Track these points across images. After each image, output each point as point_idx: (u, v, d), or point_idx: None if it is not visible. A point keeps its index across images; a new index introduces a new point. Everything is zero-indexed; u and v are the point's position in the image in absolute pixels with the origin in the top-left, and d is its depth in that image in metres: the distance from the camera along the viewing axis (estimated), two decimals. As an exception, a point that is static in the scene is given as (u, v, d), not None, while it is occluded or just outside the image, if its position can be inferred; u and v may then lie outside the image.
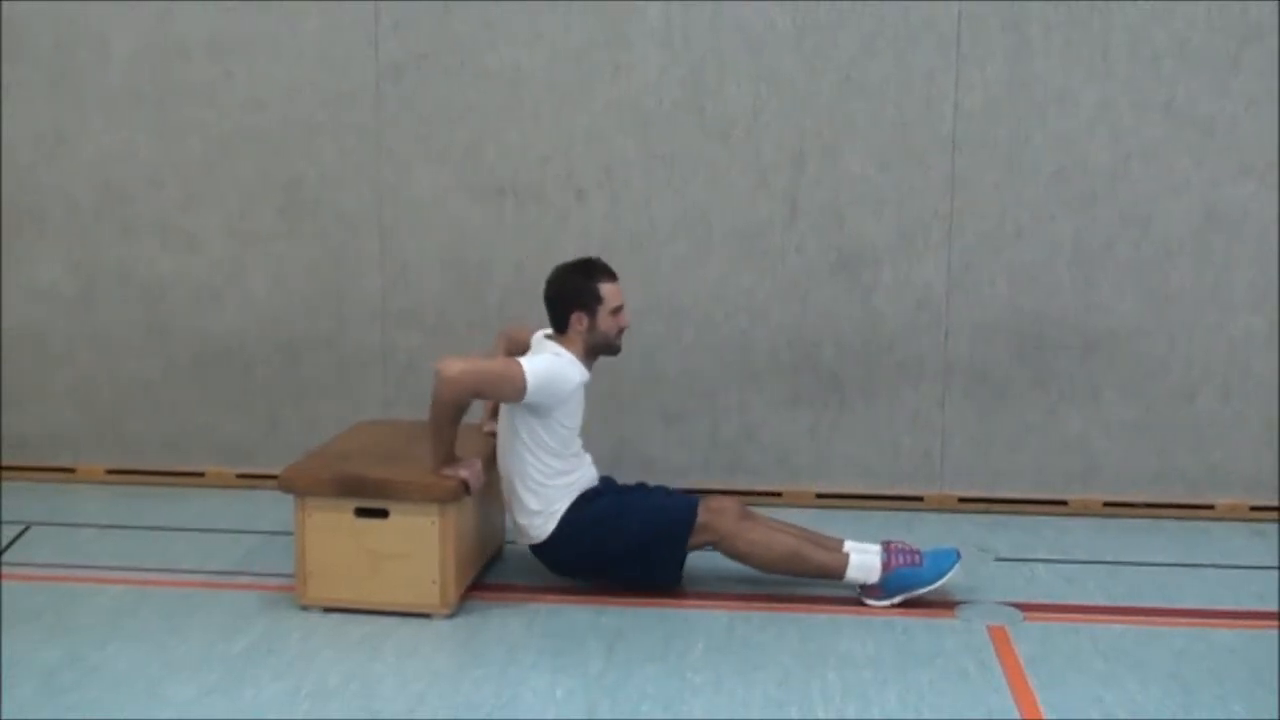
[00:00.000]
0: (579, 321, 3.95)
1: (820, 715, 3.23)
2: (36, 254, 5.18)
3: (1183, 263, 4.75)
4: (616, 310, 3.98)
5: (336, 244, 5.06)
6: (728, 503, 4.01)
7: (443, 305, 5.02)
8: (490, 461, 4.04)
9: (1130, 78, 4.67)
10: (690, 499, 4.02)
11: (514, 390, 3.78)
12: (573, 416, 3.96)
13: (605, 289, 3.96)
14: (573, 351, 3.95)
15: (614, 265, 4.54)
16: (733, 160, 4.85)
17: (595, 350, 4.01)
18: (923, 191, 4.79)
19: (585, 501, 3.98)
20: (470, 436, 4.09)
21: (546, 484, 3.93)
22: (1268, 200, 4.68)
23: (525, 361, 3.82)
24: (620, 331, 4.01)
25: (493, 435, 4.21)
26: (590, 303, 3.94)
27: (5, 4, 5.03)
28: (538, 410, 3.84)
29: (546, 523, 3.94)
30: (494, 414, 4.28)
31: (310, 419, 5.07)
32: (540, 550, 4.02)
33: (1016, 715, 3.23)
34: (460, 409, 3.78)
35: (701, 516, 3.93)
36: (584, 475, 4.05)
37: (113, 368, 5.22)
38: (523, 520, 3.99)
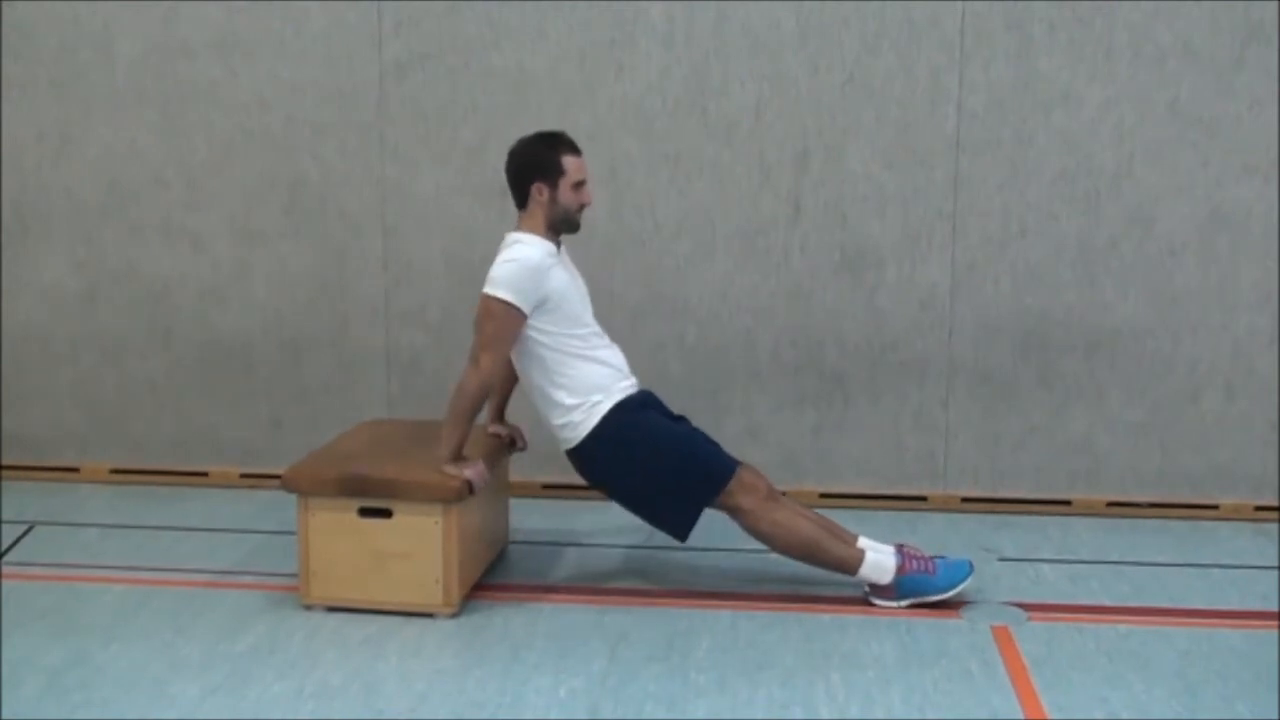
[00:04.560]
0: (539, 192, 3.87)
1: (824, 715, 3.23)
2: (40, 254, 5.19)
3: (1187, 262, 4.75)
4: (579, 185, 3.90)
5: (340, 243, 5.06)
6: (760, 481, 3.94)
7: (446, 305, 5.02)
8: (493, 461, 4.03)
9: (1134, 77, 4.66)
10: (732, 461, 3.93)
11: (516, 319, 3.75)
12: (569, 291, 3.88)
13: (568, 161, 3.88)
14: (533, 229, 3.88)
15: (617, 265, 4.55)
16: (736, 160, 4.85)
17: (556, 226, 3.91)
18: (926, 191, 4.79)
19: (631, 408, 3.91)
20: (475, 437, 4.08)
21: (573, 374, 3.86)
22: (1271, 199, 4.67)
23: (494, 289, 3.74)
24: (581, 207, 3.93)
25: (497, 437, 4.22)
26: (552, 174, 3.87)
27: (10, 3, 5.04)
28: (538, 305, 3.80)
29: (587, 418, 3.86)
30: (498, 415, 4.28)
31: (313, 419, 5.07)
32: (577, 454, 3.93)
33: (1020, 715, 3.23)
34: (489, 393, 3.84)
35: (733, 483, 3.88)
36: (617, 367, 3.97)
37: (117, 367, 5.23)
38: (560, 421, 3.90)
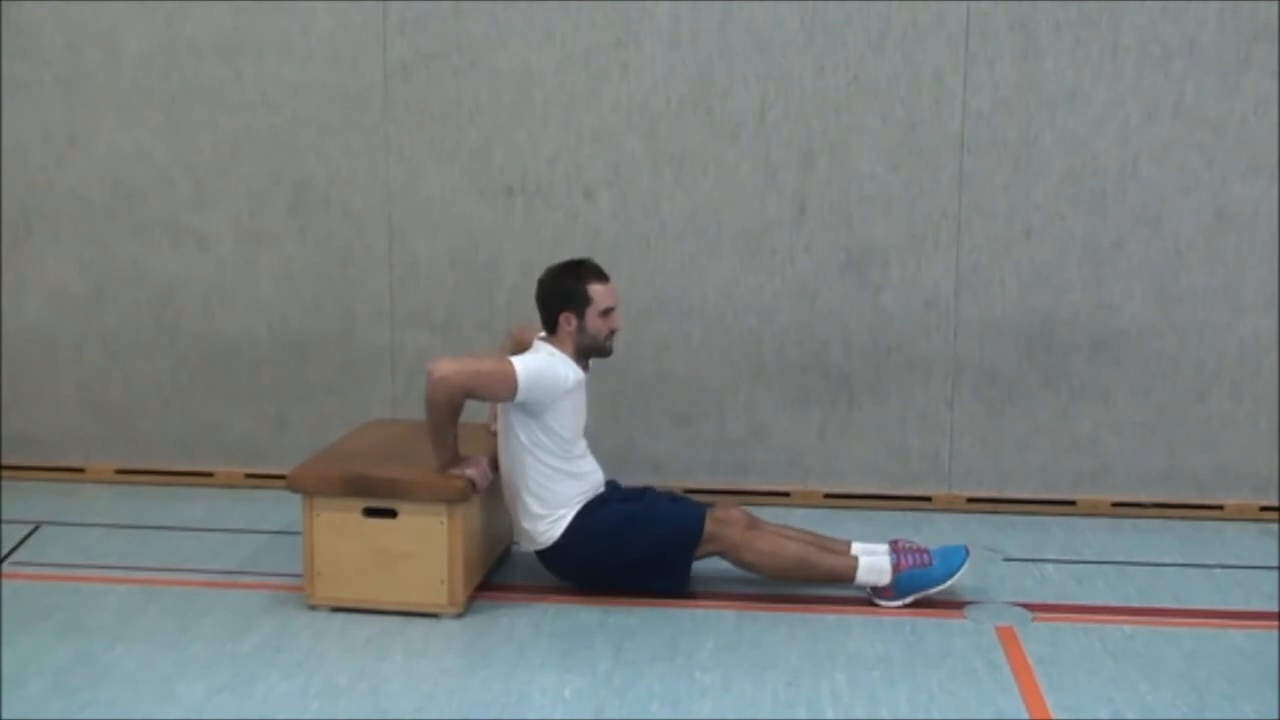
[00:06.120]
0: (567, 322, 3.91)
1: (829, 715, 3.23)
2: (46, 254, 5.19)
3: (1192, 262, 4.74)
4: (606, 312, 3.93)
5: (345, 244, 5.07)
6: (735, 513, 3.99)
7: (451, 305, 5.03)
8: (496, 459, 4.03)
9: (1139, 77, 4.66)
10: (698, 509, 3.98)
11: (506, 388, 3.75)
12: (571, 418, 3.92)
13: (594, 290, 3.91)
14: (564, 352, 3.92)
15: (622, 265, 4.55)
16: (741, 160, 4.85)
17: (585, 352, 3.97)
18: (931, 191, 4.79)
19: (592, 510, 3.94)
20: (476, 435, 4.09)
21: (549, 487, 3.89)
22: (1276, 199, 4.66)
23: (518, 360, 3.79)
24: (611, 334, 3.97)
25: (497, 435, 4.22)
26: (579, 304, 3.90)
27: (16, 3, 5.05)
28: (533, 410, 3.81)
29: (551, 528, 3.91)
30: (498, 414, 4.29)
31: (318, 419, 5.08)
32: (545, 556, 3.99)
33: (1025, 715, 3.23)
34: (455, 409, 3.75)
35: (709, 528, 3.91)
36: (589, 480, 4.00)
37: (122, 367, 5.23)
38: (527, 525, 3.95)
